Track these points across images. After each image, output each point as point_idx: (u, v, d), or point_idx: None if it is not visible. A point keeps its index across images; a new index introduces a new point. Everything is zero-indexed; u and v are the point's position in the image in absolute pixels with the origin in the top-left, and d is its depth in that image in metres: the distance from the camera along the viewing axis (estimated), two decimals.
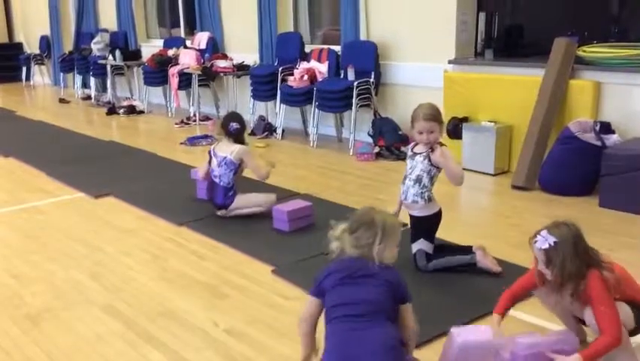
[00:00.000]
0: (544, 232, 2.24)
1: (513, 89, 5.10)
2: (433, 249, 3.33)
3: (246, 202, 4.23)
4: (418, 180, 3.28)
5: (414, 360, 2.23)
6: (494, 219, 4.27)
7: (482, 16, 5.73)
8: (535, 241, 2.24)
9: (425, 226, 3.34)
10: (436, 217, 3.33)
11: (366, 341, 2.01)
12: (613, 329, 2.15)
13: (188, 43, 8.54)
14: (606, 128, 4.47)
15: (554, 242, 2.20)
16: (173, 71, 7.98)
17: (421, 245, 3.31)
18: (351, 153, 5.99)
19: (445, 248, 3.43)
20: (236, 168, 4.20)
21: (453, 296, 3.06)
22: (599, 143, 4.39)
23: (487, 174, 5.07)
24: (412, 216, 3.38)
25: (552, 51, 4.86)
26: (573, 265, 2.19)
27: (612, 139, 4.41)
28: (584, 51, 4.78)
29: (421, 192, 3.29)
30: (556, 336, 2.32)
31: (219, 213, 4.24)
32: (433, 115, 3.21)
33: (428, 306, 2.83)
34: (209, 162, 4.24)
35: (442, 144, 3.27)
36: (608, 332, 2.15)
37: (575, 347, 2.26)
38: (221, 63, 7.59)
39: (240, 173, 4.30)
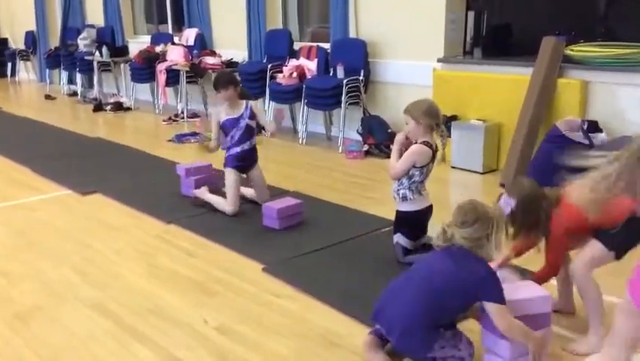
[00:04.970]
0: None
1: (501, 88, 5.12)
2: (421, 247, 3.34)
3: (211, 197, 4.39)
4: None
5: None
6: None
7: (471, 14, 5.75)
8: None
9: (400, 221, 3.37)
10: (413, 217, 3.33)
11: (399, 307, 2.32)
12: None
13: (175, 39, 8.49)
14: (594, 126, 4.50)
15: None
16: (160, 67, 7.92)
17: (398, 239, 3.36)
18: (340, 151, 5.99)
19: (428, 246, 3.44)
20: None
21: None
22: (586, 141, 4.42)
23: (476, 172, 5.09)
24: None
25: (540, 50, 4.89)
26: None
27: (599, 137, 4.44)
28: (572, 50, 4.81)
29: (397, 189, 3.31)
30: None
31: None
32: (407, 108, 3.26)
33: None
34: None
35: (425, 143, 3.23)
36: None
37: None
38: (209, 60, 7.56)
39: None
